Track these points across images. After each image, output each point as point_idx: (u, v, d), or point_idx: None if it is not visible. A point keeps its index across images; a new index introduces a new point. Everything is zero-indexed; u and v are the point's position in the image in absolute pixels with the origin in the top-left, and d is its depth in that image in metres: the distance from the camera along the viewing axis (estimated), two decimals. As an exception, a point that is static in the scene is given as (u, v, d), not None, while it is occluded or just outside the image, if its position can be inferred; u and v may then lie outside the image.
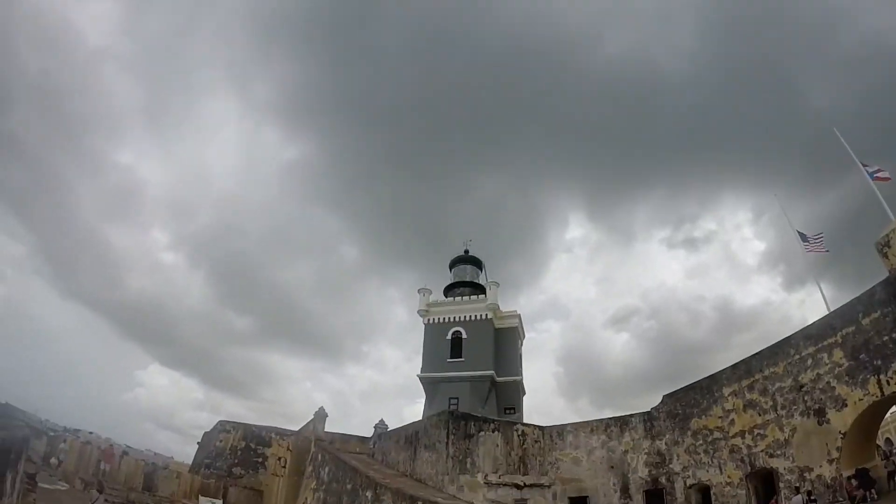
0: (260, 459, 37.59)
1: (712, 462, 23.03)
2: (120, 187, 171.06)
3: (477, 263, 54.97)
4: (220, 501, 28.86)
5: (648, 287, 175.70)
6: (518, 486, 26.82)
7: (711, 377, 24.68)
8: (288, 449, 37.27)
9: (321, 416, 38.50)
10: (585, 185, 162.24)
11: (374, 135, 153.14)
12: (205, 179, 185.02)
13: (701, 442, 23.89)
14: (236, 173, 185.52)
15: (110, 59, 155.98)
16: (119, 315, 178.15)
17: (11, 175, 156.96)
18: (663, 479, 25.19)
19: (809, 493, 16.18)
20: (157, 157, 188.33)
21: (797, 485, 18.46)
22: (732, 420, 22.48)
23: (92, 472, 26.48)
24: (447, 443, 28.63)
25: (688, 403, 25.24)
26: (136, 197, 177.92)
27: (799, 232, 27.37)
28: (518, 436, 28.94)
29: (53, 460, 29.05)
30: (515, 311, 49.70)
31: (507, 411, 43.13)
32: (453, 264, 55.39)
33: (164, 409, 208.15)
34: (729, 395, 23.03)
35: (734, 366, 23.58)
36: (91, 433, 58.21)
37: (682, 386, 26.35)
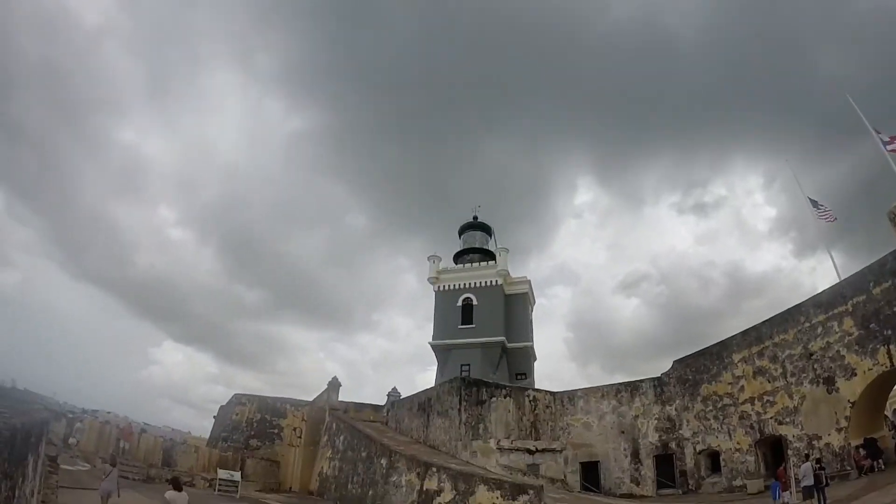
0: (276, 430, 38.10)
1: (722, 428, 23.30)
2: (125, 166, 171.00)
3: (486, 230, 54.86)
4: (238, 473, 29.31)
5: (658, 252, 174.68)
6: (530, 451, 27.30)
7: (721, 343, 24.83)
8: (303, 419, 37.86)
9: (335, 385, 39.00)
10: (594, 149, 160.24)
11: (379, 102, 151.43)
12: (209, 154, 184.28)
13: (711, 408, 24.15)
14: (241, 146, 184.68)
15: (109, 37, 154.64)
16: (130, 293, 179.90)
17: (17, 161, 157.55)
18: (673, 445, 25.58)
19: (818, 461, 16.26)
20: (160, 133, 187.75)
21: (806, 452, 18.61)
22: (742, 387, 22.66)
23: (112, 450, 27.11)
24: (460, 409, 29.00)
25: (698, 369, 25.44)
26: (141, 174, 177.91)
27: (810, 199, 27.13)
28: (530, 401, 29.41)
29: (72, 440, 29.76)
30: (525, 277, 49.72)
31: (519, 377, 43.49)
32: (462, 231, 55.25)
33: (179, 384, 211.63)
34: (739, 362, 23.18)
35: (744, 332, 23.71)
36: (109, 413, 59.21)
37: (693, 352, 26.58)
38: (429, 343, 47.46)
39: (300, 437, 36.99)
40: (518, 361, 45.14)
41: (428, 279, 50.51)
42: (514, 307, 47.27)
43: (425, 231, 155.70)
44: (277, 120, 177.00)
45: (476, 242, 53.46)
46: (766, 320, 22.66)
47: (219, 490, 27.10)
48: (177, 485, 12.38)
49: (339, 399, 38.50)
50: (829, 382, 18.89)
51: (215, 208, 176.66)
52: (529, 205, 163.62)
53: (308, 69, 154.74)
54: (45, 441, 7.38)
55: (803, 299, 21.46)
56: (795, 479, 16.31)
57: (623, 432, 27.04)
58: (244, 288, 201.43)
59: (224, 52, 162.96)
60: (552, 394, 30.15)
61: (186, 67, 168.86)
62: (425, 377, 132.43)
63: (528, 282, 49.46)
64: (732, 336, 24.40)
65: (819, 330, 19.70)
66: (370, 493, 25.85)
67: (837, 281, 21.33)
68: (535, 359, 47.70)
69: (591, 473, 27.28)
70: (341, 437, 32.79)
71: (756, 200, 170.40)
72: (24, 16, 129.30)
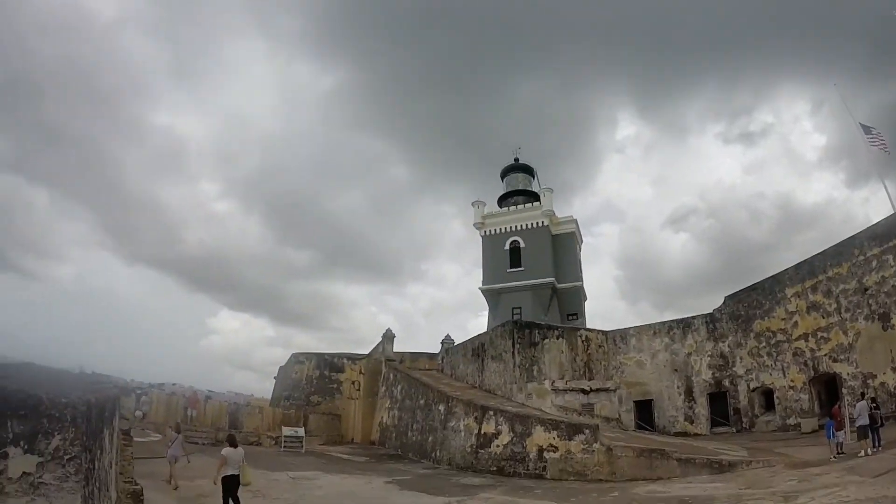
0: (335, 385, 39.31)
1: (775, 365, 23.27)
2: (163, 148, 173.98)
3: (528, 171, 54.33)
4: (302, 429, 30.57)
5: (705, 185, 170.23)
6: (584, 391, 27.70)
7: (774, 278, 24.58)
8: (360, 372, 39.01)
9: (389, 337, 39.94)
10: (633, 80, 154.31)
11: (410, 52, 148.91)
12: (244, 124, 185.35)
13: (764, 344, 24.08)
14: (275, 112, 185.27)
15: (126, 26, 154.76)
16: (183, 270, 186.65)
17: (57, 161, 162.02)
18: (727, 382, 25.71)
19: (873, 400, 16.18)
20: (193, 111, 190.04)
21: (861, 391, 18.47)
22: (795, 322, 22.49)
23: (180, 419, 28.72)
24: (513, 352, 29.71)
25: (750, 305, 25.29)
26: (179, 154, 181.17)
27: (862, 125, 25.96)
28: (582, 341, 29.73)
29: (138, 413, 31.57)
30: (571, 216, 49.45)
31: (570, 318, 43.88)
32: (505, 173, 54.90)
33: (239, 350, 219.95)
34: (792, 297, 22.95)
35: (797, 266, 23.40)
36: (174, 385, 61.94)
37: (744, 287, 26.38)
38: (479, 288, 48.00)
39: (359, 390, 38.22)
40: (569, 302, 45.52)
41: (473, 225, 50.72)
42: (561, 247, 47.25)
43: (467, 177, 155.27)
44: (308, 81, 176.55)
45: (519, 184, 53.11)
46: (819, 253, 22.29)
47: (284, 447, 28.55)
48: (232, 442, 13.26)
49: (394, 350, 39.50)
50: (885, 319, 18.60)
51: (256, 177, 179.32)
52: (570, 143, 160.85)
53: (331, 26, 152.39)
54: (118, 416, 8.11)
55: (857, 231, 21.00)
56: (850, 418, 16.36)
57: (676, 370, 27.24)
58: (293, 250, 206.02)
59: (243, 21, 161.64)
60: (604, 333, 30.35)
61: (208, 43, 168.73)
62: (478, 323, 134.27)
63: (575, 221, 49.17)
64: (785, 270, 24.11)
65: (874, 263, 19.32)
66: (430, 439, 26.86)
67: (893, 212, 20.77)
68: (585, 298, 47.96)
69: (644, 412, 27.73)
70: (399, 387, 33.85)
71: (804, 128, 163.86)
72: (39, 20, 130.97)
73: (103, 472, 5.64)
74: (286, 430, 29.74)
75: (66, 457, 4.26)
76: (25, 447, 4.05)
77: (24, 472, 4.01)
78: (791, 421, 22.22)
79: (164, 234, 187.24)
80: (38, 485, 4.07)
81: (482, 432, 22.79)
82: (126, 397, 30.57)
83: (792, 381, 22.44)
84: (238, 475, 12.41)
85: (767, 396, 24.13)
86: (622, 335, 29.75)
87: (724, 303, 27.16)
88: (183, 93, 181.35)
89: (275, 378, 44.57)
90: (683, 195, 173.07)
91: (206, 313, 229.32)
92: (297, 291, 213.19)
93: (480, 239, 50.08)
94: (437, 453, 25.28)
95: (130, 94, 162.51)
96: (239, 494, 12.33)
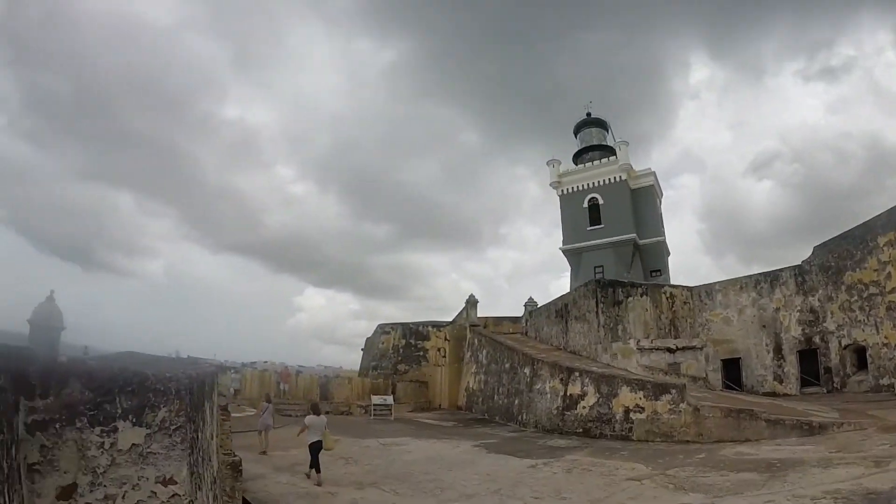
0: (421, 353, 40.81)
1: (868, 320, 22.44)
2: (236, 140, 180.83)
3: (602, 125, 53.67)
4: (391, 397, 32.11)
5: (787, 127, 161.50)
6: (670, 350, 27.84)
7: (864, 225, 23.59)
8: (445, 339, 40.31)
9: (472, 302, 41.05)
10: (702, 20, 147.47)
11: (468, 14, 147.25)
12: (312, 106, 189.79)
13: (856, 298, 23.28)
14: (340, 91, 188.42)
15: (185, 29, 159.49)
16: (267, 253, 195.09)
17: (137, 165, 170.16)
18: (817, 339, 25.07)
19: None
20: (261, 101, 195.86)
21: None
22: (889, 273, 21.59)
23: (273, 393, 30.77)
24: (597, 312, 30.05)
25: (840, 255, 24.46)
26: (253, 143, 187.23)
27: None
28: (667, 298, 29.63)
29: (232, 390, 34.00)
30: (649, 168, 48.66)
31: (653, 274, 43.62)
32: (578, 129, 54.30)
33: (326, 326, 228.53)
34: (884, 245, 22.00)
35: (889, 211, 22.29)
36: (265, 362, 65.30)
37: (834, 235, 25.51)
38: (559, 249, 48.33)
39: (444, 357, 39.61)
40: (651, 258, 45.21)
41: (550, 184, 50.81)
42: (641, 202, 46.81)
43: (540, 137, 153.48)
44: (369, 57, 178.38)
45: (593, 139, 52.62)
46: (914, 198, 21.45)
47: (374, 415, 30.19)
48: (315, 410, 14.69)
49: (478, 315, 40.63)
50: None
51: (329, 156, 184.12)
52: (642, 92, 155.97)
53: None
54: (217, 391, 9.02)
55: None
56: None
57: (764, 326, 26.72)
58: (371, 224, 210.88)
59: (298, 7, 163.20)
60: (689, 289, 30.03)
61: (267, 33, 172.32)
62: (559, 284, 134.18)
63: (653, 173, 48.42)
64: (877, 216, 22.93)
65: (974, 207, 18.56)
66: (516, 402, 27.76)
67: None
68: (668, 254, 47.46)
69: (732, 371, 27.40)
70: (484, 352, 34.83)
71: (889, 59, 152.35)
72: (101, 35, 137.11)
73: (205, 442, 6.05)
74: (375, 399, 31.35)
75: (173, 427, 4.64)
76: (133, 420, 4.43)
77: (133, 444, 4.39)
78: (885, 381, 21.46)
79: (246, 220, 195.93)
80: (146, 454, 4.44)
81: (568, 394, 23.40)
82: (221, 375, 32.89)
83: (886, 337, 21.52)
84: (321, 441, 13.74)
85: (860, 354, 23.28)
86: (707, 291, 29.31)
87: (812, 253, 26.39)
88: (249, 84, 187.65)
89: (362, 349, 46.59)
90: (764, 139, 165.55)
91: (292, 292, 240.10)
92: (379, 264, 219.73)
93: (558, 198, 50.21)
94: (524, 416, 26.13)
95: (199, 93, 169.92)
96: (322, 459, 13.70)
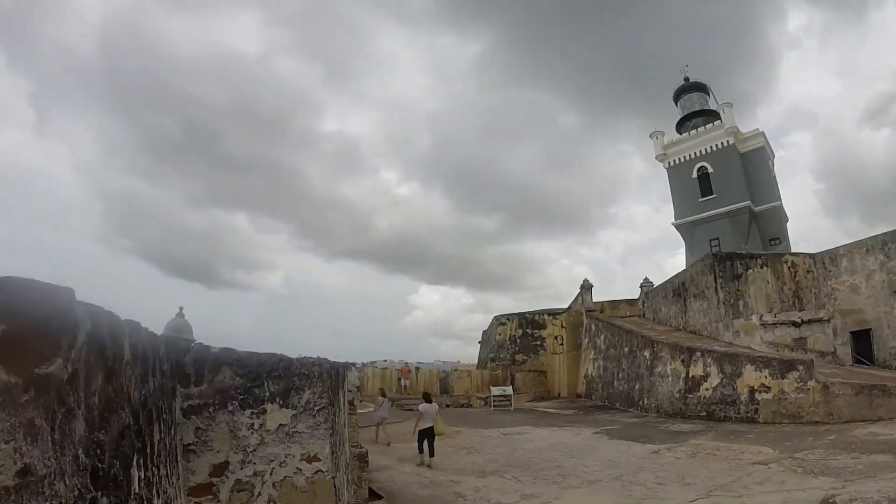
0: (538, 342, 41.46)
1: None
2: (338, 151, 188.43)
3: (702, 89, 52.12)
4: (510, 388, 32.96)
5: None
6: (795, 324, 26.80)
7: None
8: (562, 326, 40.75)
9: (587, 287, 41.20)
10: None
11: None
12: (406, 108, 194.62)
13: None
14: (431, 89, 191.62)
15: (274, 54, 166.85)
16: (379, 255, 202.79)
17: (248, 187, 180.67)
18: (957, 303, 23.37)
19: None
20: (356, 111, 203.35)
21: None
22: None
23: (395, 389, 32.28)
24: (716, 287, 29.51)
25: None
26: (355, 152, 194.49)
27: None
28: (788, 268, 28.56)
29: (354, 386, 36.04)
30: (757, 129, 46.84)
31: (772, 243, 42.11)
32: (677, 96, 53.01)
33: (442, 321, 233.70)
34: None
35: None
36: (385, 361, 68.06)
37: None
38: (672, 224, 47.78)
39: (562, 344, 40.08)
40: (768, 225, 43.65)
41: (655, 157, 50.18)
42: (752, 166, 45.17)
43: (639, 109, 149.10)
44: (455, 53, 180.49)
45: (695, 105, 51.29)
46: None
47: (494, 406, 31.19)
48: (427, 398, 16.58)
49: (593, 300, 40.81)
50: None
51: (430, 154, 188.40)
52: (738, 47, 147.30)
53: None
54: (346, 383, 9.83)
55: None
56: None
57: (895, 292, 25.31)
58: (479, 217, 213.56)
59: (377, 15, 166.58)
60: (811, 256, 28.82)
61: (351, 46, 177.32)
62: (675, 262, 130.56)
63: (762, 134, 46.55)
64: None
65: None
66: (636, 387, 27.96)
67: None
68: (786, 219, 45.65)
69: (862, 344, 25.83)
70: (601, 337, 35.10)
71: None
72: (198, 72, 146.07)
73: (340, 427, 6.54)
74: (494, 390, 32.34)
75: (316, 408, 4.99)
76: (280, 402, 4.83)
77: (280, 424, 4.79)
78: None
79: (356, 226, 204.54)
80: (292, 433, 4.84)
81: (690, 375, 23.48)
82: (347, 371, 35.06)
83: None
84: (433, 427, 15.30)
85: None
86: (831, 257, 27.82)
87: (947, 206, 24.94)
88: (343, 96, 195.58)
89: (479, 342, 47.82)
90: (877, 82, 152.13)
91: (407, 292, 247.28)
92: (490, 256, 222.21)
93: (665, 171, 49.39)
94: (645, 401, 26.37)
95: (296, 111, 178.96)
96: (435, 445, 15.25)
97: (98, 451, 2.17)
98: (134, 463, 2.66)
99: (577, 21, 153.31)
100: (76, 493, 1.88)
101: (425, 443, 15.10)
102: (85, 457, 2.03)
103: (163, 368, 3.66)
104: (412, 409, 28.56)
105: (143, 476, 2.80)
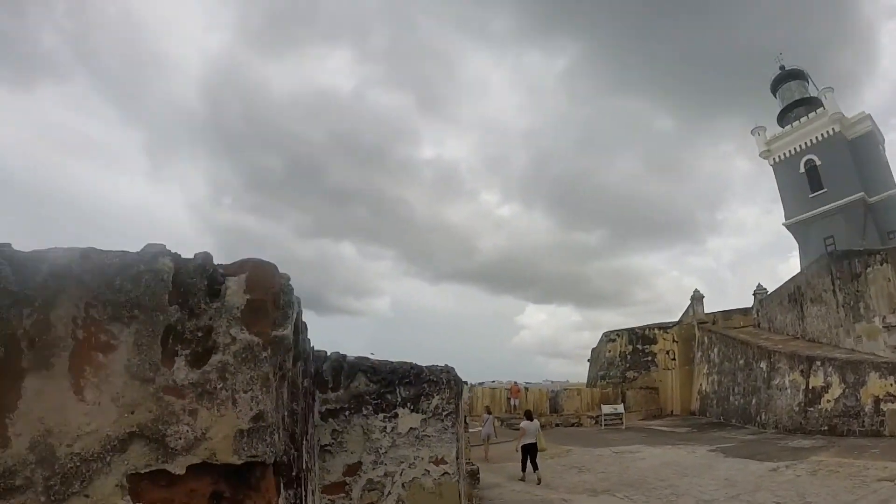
0: (649, 358, 40.82)
1: None
2: (437, 176, 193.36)
3: (800, 76, 50.09)
4: (621, 406, 32.71)
5: None
6: (923, 325, 25.28)
7: None
8: (673, 340, 39.95)
9: (697, 298, 40.45)
10: None
11: (625, 5, 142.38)
12: (501, 129, 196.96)
13: None
14: (523, 107, 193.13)
15: (367, 88, 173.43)
16: (484, 277, 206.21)
17: (353, 217, 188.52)
18: None
19: None
20: (452, 135, 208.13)
21: None
22: None
23: (504, 408, 32.72)
24: (833, 290, 28.29)
25: None
26: (454, 176, 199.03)
27: None
28: (912, 261, 27.09)
29: (464, 404, 36.88)
30: (863, 112, 44.34)
31: (891, 236, 39.62)
32: (775, 87, 51.16)
33: (549, 340, 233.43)
34: None
35: None
36: (493, 381, 68.94)
37: None
38: (782, 224, 46.27)
39: (674, 359, 39.32)
40: (886, 217, 41.05)
41: (759, 155, 48.84)
42: (862, 153, 42.88)
43: (736, 105, 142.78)
44: (542, 69, 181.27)
45: (794, 94, 49.33)
46: None
47: (605, 424, 31.23)
48: (529, 416, 17.44)
49: (705, 311, 40.01)
50: None
51: (528, 173, 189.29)
52: (832, 25, 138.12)
53: (540, 8, 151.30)
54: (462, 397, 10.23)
55: None
56: None
57: None
58: (582, 233, 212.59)
59: (462, 40, 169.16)
60: None
61: (440, 74, 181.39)
62: (789, 265, 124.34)
63: (869, 117, 44.11)
64: None
65: None
66: (753, 401, 27.34)
67: None
68: (904, 209, 42.86)
69: None
70: (715, 350, 34.42)
71: None
72: (297, 113, 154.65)
73: (459, 436, 6.58)
74: (605, 409, 32.42)
75: (444, 413, 5.30)
76: (411, 407, 5.18)
77: (410, 427, 5.12)
78: None
79: (460, 249, 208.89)
80: (421, 437, 5.15)
81: (810, 387, 22.90)
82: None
83: None
84: (535, 443, 16.13)
85: None
86: None
87: None
88: (437, 123, 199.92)
89: (588, 360, 47.70)
90: None
91: (513, 312, 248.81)
92: (596, 272, 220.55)
93: (771, 168, 47.90)
94: (762, 416, 25.84)
95: (394, 142, 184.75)
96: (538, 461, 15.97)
97: (293, 418, 2.61)
98: (303, 442, 3.08)
99: (662, 22, 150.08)
100: (284, 447, 2.25)
101: (528, 459, 16.03)
102: (289, 418, 2.45)
103: (310, 371, 3.95)
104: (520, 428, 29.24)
105: (306, 458, 3.21)
